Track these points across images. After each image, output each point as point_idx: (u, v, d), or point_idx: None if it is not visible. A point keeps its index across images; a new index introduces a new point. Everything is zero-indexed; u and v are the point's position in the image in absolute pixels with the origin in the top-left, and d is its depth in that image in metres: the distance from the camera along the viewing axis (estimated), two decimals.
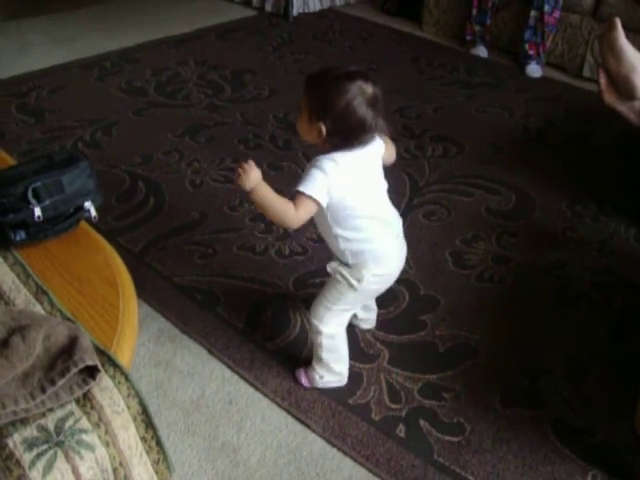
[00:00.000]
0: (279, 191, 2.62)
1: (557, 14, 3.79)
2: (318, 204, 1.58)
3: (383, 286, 1.81)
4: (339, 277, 1.70)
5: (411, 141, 3.13)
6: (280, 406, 1.84)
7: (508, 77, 3.86)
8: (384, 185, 1.72)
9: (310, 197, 1.56)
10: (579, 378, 1.93)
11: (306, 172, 1.59)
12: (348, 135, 1.56)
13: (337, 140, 1.57)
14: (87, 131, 3.12)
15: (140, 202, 2.63)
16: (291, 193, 1.59)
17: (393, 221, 1.75)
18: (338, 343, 1.82)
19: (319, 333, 1.78)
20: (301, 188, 1.56)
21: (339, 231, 1.65)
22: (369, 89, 1.54)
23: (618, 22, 2.22)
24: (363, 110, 1.53)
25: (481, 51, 4.14)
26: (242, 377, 1.92)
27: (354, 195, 1.60)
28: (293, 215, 1.57)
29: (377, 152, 1.67)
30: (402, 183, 2.79)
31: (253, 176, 1.56)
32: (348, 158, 1.58)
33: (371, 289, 1.80)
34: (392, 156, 1.77)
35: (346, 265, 1.70)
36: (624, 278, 2.31)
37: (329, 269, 1.73)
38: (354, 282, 1.69)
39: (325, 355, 1.81)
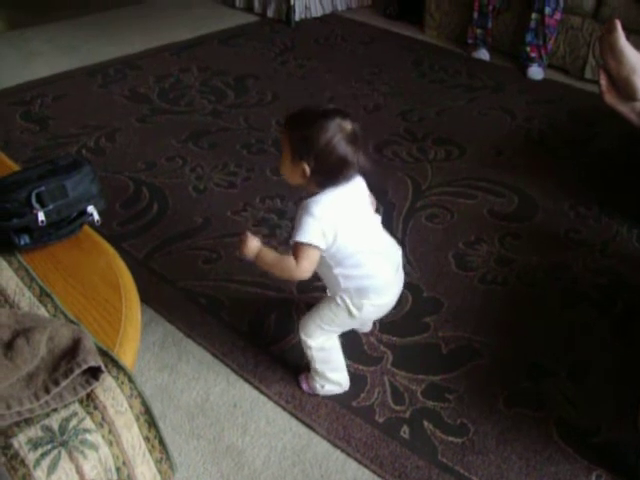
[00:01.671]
0: (282, 196, 2.67)
1: (558, 16, 3.79)
2: (318, 249, 1.60)
3: (378, 315, 1.84)
4: (339, 301, 1.70)
5: (413, 144, 3.14)
6: (284, 409, 1.84)
7: (510, 80, 3.87)
8: (377, 218, 1.74)
9: (308, 245, 1.58)
10: (582, 379, 1.93)
11: (297, 220, 1.60)
12: (331, 172, 1.58)
13: (321, 178, 1.59)
14: (91, 138, 3.14)
15: (144, 208, 2.64)
16: (290, 247, 1.64)
17: (392, 253, 1.75)
18: (330, 354, 1.83)
19: (309, 347, 1.79)
20: (297, 238, 1.59)
21: (339, 270, 1.66)
22: (348, 126, 1.56)
23: (618, 24, 2.23)
24: (343, 147, 1.55)
25: (483, 54, 4.14)
26: (246, 380, 1.92)
27: (348, 231, 1.61)
28: (295, 267, 1.61)
29: (361, 188, 1.70)
30: (405, 186, 2.80)
31: (251, 246, 1.63)
32: (334, 196, 1.60)
33: (367, 317, 1.83)
34: (373, 206, 1.79)
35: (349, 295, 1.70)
36: (627, 279, 2.31)
37: (329, 292, 1.74)
38: (354, 310, 1.70)
39: (319, 366, 1.81)
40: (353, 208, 1.65)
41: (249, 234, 1.64)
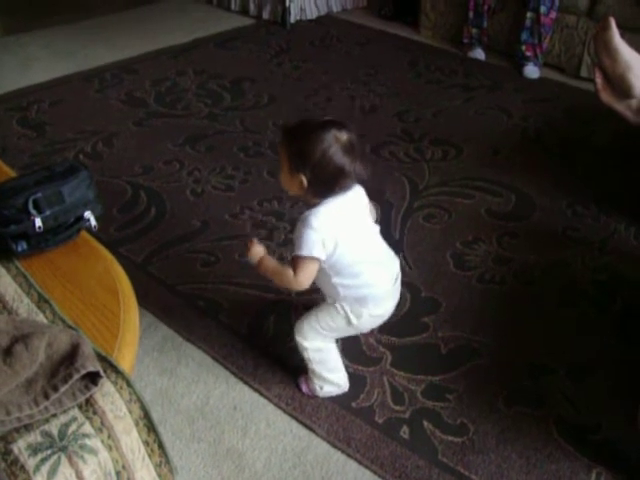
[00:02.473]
0: (279, 199, 2.67)
1: (553, 15, 3.80)
2: (317, 261, 1.62)
3: (375, 324, 1.85)
4: (339, 309, 1.72)
5: (410, 145, 3.14)
6: (284, 411, 1.85)
7: (506, 79, 3.87)
8: (375, 228, 1.75)
9: (309, 257, 1.61)
10: (582, 377, 1.93)
11: (297, 233, 1.63)
12: (328, 183, 1.60)
13: (318, 189, 1.61)
14: (88, 143, 3.14)
15: (142, 212, 2.65)
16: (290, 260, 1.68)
17: (390, 263, 1.77)
18: (326, 355, 1.83)
19: (305, 349, 1.80)
20: (297, 253, 1.62)
21: (338, 280, 1.68)
22: (344, 136, 1.57)
23: (612, 21, 2.24)
24: (340, 157, 1.56)
25: (478, 54, 4.15)
26: (246, 383, 1.93)
27: (347, 241, 1.63)
28: (293, 279, 1.64)
29: (360, 198, 1.71)
30: (402, 187, 2.81)
31: (255, 252, 1.71)
32: (333, 207, 1.62)
33: (364, 326, 1.83)
34: (374, 214, 1.81)
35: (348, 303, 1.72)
36: (625, 276, 2.32)
37: (329, 300, 1.76)
38: (353, 318, 1.72)
39: (316, 367, 1.82)
40: (352, 218, 1.67)
41: (255, 240, 1.71)
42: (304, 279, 1.64)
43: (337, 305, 1.72)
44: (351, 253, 1.65)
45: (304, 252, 1.60)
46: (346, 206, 1.64)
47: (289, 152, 1.61)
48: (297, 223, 1.64)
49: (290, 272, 1.64)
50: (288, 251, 2.39)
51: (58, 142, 3.15)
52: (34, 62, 4.09)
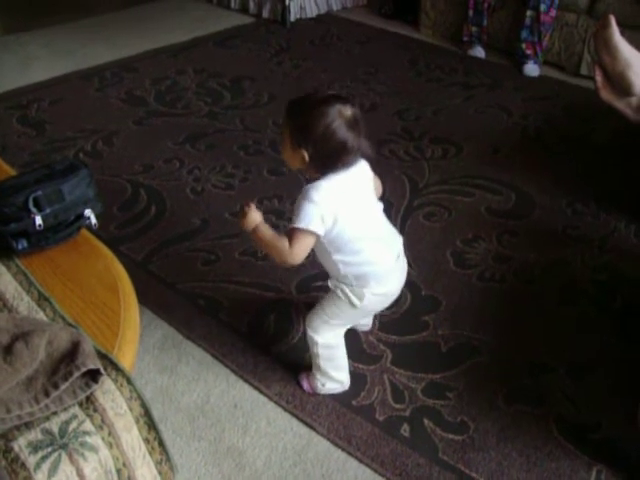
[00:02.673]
0: (279, 197, 2.67)
1: (553, 13, 3.80)
2: (315, 235, 1.60)
3: (383, 305, 1.82)
4: (340, 293, 1.70)
5: (410, 143, 3.14)
6: (285, 409, 1.85)
7: (506, 77, 3.87)
8: (379, 205, 1.73)
9: (304, 230, 1.58)
10: (582, 375, 1.93)
11: (296, 206, 1.60)
12: (330, 158, 1.57)
13: (320, 164, 1.58)
14: (88, 141, 3.14)
15: (142, 210, 2.65)
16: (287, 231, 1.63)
17: (392, 241, 1.75)
18: (335, 352, 1.83)
19: (315, 343, 1.79)
20: (294, 224, 1.58)
21: (339, 256, 1.66)
22: (348, 111, 1.54)
23: (612, 19, 2.24)
24: (343, 132, 1.53)
25: (478, 52, 4.15)
26: (246, 381, 1.93)
27: (348, 218, 1.60)
28: (288, 251, 1.60)
29: (365, 174, 1.68)
30: (402, 185, 2.81)
31: (252, 218, 1.63)
32: (335, 182, 1.59)
33: (371, 308, 1.82)
34: (379, 189, 1.78)
35: (348, 284, 1.70)
36: (625, 275, 2.32)
37: (330, 284, 1.74)
38: (355, 300, 1.69)
39: (323, 364, 1.81)
40: (354, 194, 1.64)
41: (252, 206, 1.64)
42: (299, 251, 1.60)
43: (337, 290, 1.70)
44: (352, 229, 1.62)
45: (301, 225, 1.57)
46: (348, 182, 1.61)
47: (292, 126, 1.59)
48: (298, 196, 1.61)
49: (285, 243, 1.60)
50: None
51: (58, 140, 3.15)
52: (34, 61, 4.10)
